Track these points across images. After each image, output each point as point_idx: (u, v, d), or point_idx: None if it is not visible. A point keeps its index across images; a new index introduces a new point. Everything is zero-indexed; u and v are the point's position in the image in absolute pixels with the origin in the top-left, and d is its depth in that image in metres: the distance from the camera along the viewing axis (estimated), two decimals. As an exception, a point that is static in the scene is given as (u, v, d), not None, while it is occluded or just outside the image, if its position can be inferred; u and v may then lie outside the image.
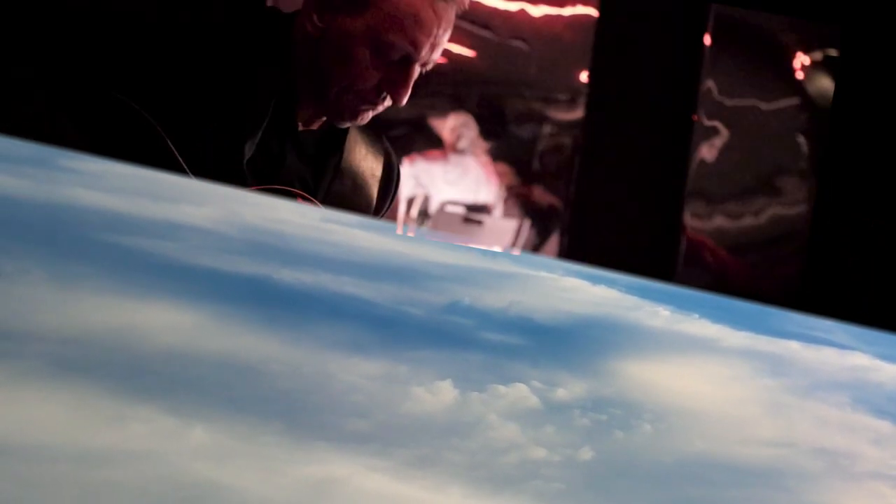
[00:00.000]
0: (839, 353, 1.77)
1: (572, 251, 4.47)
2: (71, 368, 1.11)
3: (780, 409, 1.63)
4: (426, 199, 4.31)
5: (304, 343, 1.39)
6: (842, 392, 1.69)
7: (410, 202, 4.27)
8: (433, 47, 2.09)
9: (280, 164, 2.12)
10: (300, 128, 2.15)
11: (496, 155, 4.42)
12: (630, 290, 1.81)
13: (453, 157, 4.35)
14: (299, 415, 1.22)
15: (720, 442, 1.51)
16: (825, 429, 1.61)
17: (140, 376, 1.14)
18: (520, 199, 4.45)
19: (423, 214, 4.23)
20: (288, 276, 1.55)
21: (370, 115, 2.15)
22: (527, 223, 4.46)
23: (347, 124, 2.16)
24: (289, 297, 1.50)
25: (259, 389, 1.24)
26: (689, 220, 4.52)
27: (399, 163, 2.40)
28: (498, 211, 4.43)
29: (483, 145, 4.40)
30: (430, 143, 4.37)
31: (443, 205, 4.37)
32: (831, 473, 1.52)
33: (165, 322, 1.29)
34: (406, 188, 4.35)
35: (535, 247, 4.44)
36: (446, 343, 1.53)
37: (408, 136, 4.31)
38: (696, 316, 1.77)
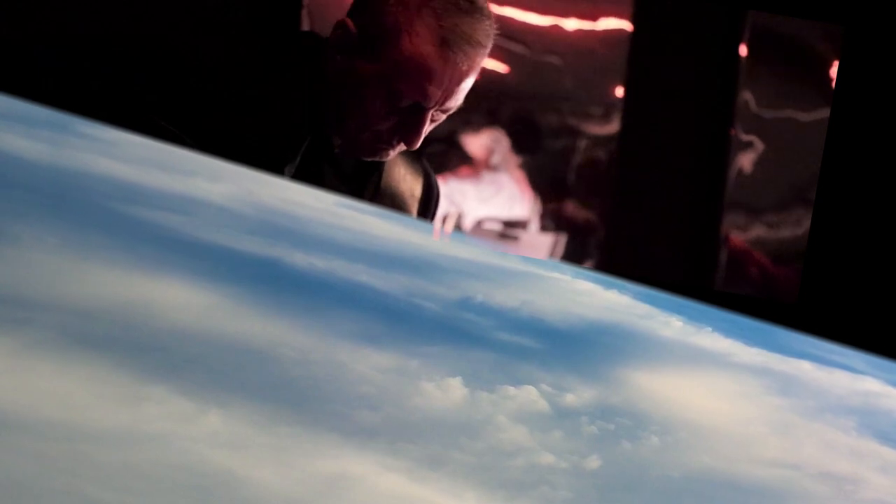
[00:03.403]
0: (851, 377, 1.75)
1: (609, 265, 4.44)
2: (85, 342, 1.09)
3: (788, 430, 1.62)
4: (461, 216, 4.30)
5: (315, 330, 1.37)
6: (850, 416, 1.67)
7: (444, 219, 4.25)
8: (447, 95, 2.08)
9: (318, 186, 2.11)
10: (336, 150, 2.15)
11: (531, 170, 4.39)
12: (642, 297, 1.79)
13: (487, 174, 4.33)
14: (311, 404, 1.20)
15: (726, 459, 1.49)
16: (832, 452, 1.60)
17: (153, 354, 1.12)
18: (555, 214, 4.42)
19: (458, 231, 4.21)
20: (300, 259, 1.53)
21: (390, 153, 2.15)
22: (563, 238, 4.44)
23: (369, 159, 2.16)
24: (301, 282, 1.48)
25: (271, 375, 1.21)
26: (728, 232, 4.51)
27: (437, 183, 2.39)
28: (533, 226, 4.40)
29: (517, 160, 4.37)
30: (464, 160, 4.35)
31: (478, 221, 4.35)
32: (836, 499, 1.51)
33: (178, 300, 1.27)
34: (441, 206, 4.34)
35: (572, 261, 4.41)
36: (457, 339, 1.51)
37: (443, 154, 4.29)
38: (709, 329, 1.75)
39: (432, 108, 2.07)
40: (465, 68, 2.07)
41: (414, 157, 2.31)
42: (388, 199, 2.23)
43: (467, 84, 2.10)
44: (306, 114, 2.11)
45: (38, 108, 1.52)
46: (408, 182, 2.28)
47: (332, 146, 2.15)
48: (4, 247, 1.21)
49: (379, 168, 2.21)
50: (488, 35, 2.10)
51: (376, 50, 2.06)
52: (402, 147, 2.13)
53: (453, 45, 2.04)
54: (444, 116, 2.13)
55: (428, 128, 2.11)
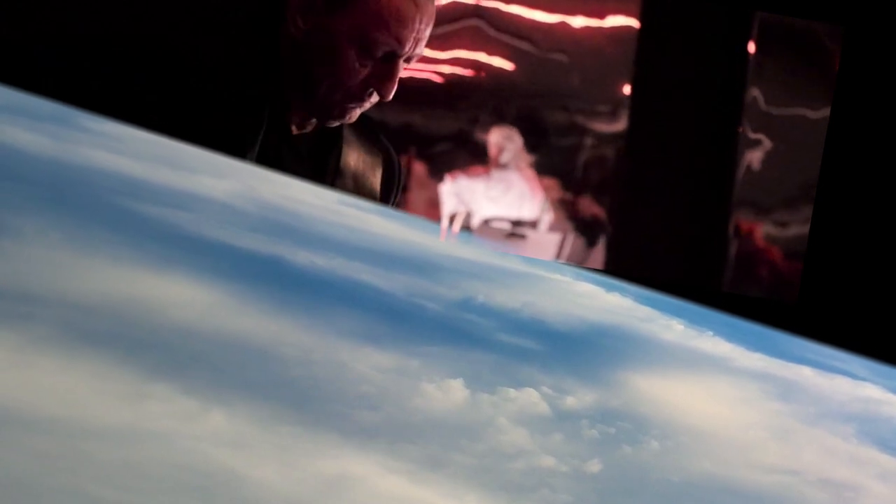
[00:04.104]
0: (852, 384, 1.75)
1: (617, 264, 4.45)
2: (87, 338, 1.09)
3: (788, 436, 1.61)
4: (469, 215, 4.30)
5: (316, 328, 1.37)
6: (850, 423, 1.67)
7: (453, 218, 4.25)
8: (416, 41, 2.11)
9: (278, 170, 2.12)
10: (294, 132, 2.16)
11: (539, 168, 4.40)
12: (643, 300, 1.79)
13: (496, 172, 4.33)
14: (312, 403, 1.19)
15: (726, 464, 1.49)
16: (831, 459, 1.59)
17: (156, 352, 1.12)
18: (563, 213, 4.43)
19: (466, 230, 4.21)
20: (302, 257, 1.52)
21: (357, 112, 2.17)
22: (571, 236, 4.44)
23: (336, 123, 2.17)
24: (302, 280, 1.47)
25: (272, 374, 1.21)
26: (739, 229, 4.51)
27: (399, 158, 2.40)
28: (542, 225, 4.40)
29: (526, 159, 4.37)
30: (473, 158, 4.35)
31: (486, 220, 4.36)
32: (835, 506, 1.51)
33: (181, 297, 1.26)
34: (448, 204, 4.34)
35: (580, 260, 4.41)
36: (458, 340, 1.50)
37: (450, 152, 4.28)
38: (710, 333, 1.75)
39: (405, 55, 2.10)
40: (431, 10, 2.12)
41: (373, 135, 2.32)
42: (350, 179, 2.24)
43: (430, 27, 2.13)
44: (265, 98, 2.12)
45: (41, 101, 1.52)
46: (368, 161, 2.29)
47: (289, 128, 2.15)
48: (6, 241, 1.21)
49: (338, 147, 2.22)
50: None
51: (345, 4, 2.08)
52: (371, 101, 2.14)
53: None
54: (405, 67, 2.15)
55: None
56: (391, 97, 2.15)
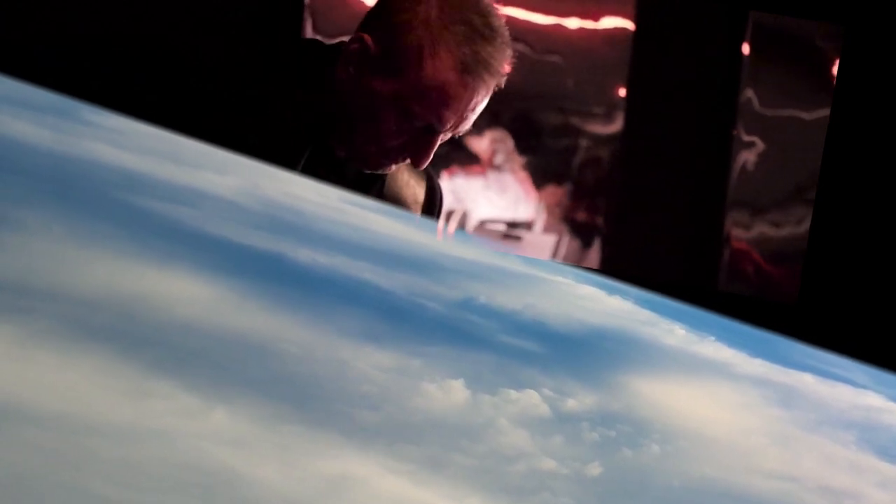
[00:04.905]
0: (853, 392, 1.75)
1: (612, 265, 4.45)
2: (88, 333, 1.08)
3: (788, 442, 1.61)
4: (464, 216, 4.30)
5: (318, 326, 1.36)
6: (850, 430, 1.67)
7: (448, 218, 4.25)
8: (461, 120, 2.07)
9: None
10: (340, 156, 2.14)
11: (534, 170, 4.40)
12: (645, 303, 1.78)
13: (491, 174, 4.34)
14: (313, 402, 1.19)
15: (726, 469, 1.49)
16: (831, 466, 1.59)
17: (158, 348, 1.11)
18: (559, 214, 4.43)
19: (462, 231, 4.21)
20: (305, 255, 1.52)
21: (391, 167, 2.15)
22: (566, 238, 4.44)
23: (368, 172, 2.16)
24: (304, 278, 1.47)
25: (274, 372, 1.21)
26: (731, 230, 4.51)
27: (440, 187, 2.38)
28: (537, 226, 4.40)
29: (520, 161, 4.38)
30: (468, 160, 4.34)
31: (481, 221, 4.36)
32: (835, 513, 1.50)
33: (184, 293, 1.26)
34: (445, 204, 4.36)
35: (576, 261, 4.41)
36: (459, 341, 1.50)
37: (446, 155, 4.28)
38: (712, 339, 1.74)
39: (445, 131, 2.06)
40: (482, 94, 2.06)
41: None
42: (392, 205, 2.22)
43: (480, 108, 2.09)
44: (310, 122, 2.10)
45: (44, 93, 1.51)
46: (411, 187, 2.28)
47: (333, 154, 2.13)
48: (8, 234, 1.20)
49: (381, 176, 2.20)
50: (507, 62, 2.09)
51: (394, 69, 2.04)
52: (405, 163, 2.12)
53: (474, 72, 2.03)
54: (450, 135, 2.12)
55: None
56: (424, 167, 2.12)
